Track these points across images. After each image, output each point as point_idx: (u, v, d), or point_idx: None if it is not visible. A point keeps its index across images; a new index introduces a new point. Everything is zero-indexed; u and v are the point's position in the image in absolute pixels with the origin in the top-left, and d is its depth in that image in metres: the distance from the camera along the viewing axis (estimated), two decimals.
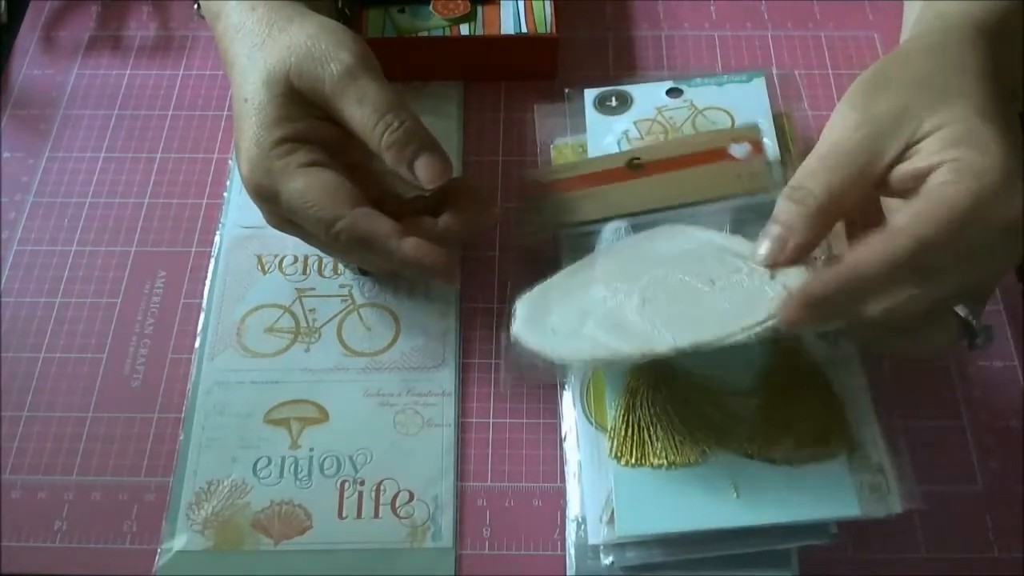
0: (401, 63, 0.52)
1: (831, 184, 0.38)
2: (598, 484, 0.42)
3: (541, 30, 0.55)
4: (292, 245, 0.49)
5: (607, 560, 0.41)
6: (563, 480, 0.44)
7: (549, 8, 0.55)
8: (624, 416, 0.42)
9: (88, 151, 0.56)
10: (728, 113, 0.51)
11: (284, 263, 0.51)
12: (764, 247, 0.39)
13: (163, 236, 0.53)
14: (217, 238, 0.52)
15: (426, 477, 0.45)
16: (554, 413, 0.46)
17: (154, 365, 0.48)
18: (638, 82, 0.53)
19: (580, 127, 0.52)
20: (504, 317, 0.43)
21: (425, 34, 0.54)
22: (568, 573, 0.42)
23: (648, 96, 0.52)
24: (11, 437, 0.47)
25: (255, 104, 0.43)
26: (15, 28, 0.62)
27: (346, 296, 0.50)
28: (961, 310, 0.38)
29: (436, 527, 0.44)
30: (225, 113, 0.57)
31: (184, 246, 0.52)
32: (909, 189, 0.38)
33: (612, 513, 0.40)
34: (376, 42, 0.51)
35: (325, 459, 0.45)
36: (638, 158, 0.48)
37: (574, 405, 0.44)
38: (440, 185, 0.43)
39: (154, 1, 0.63)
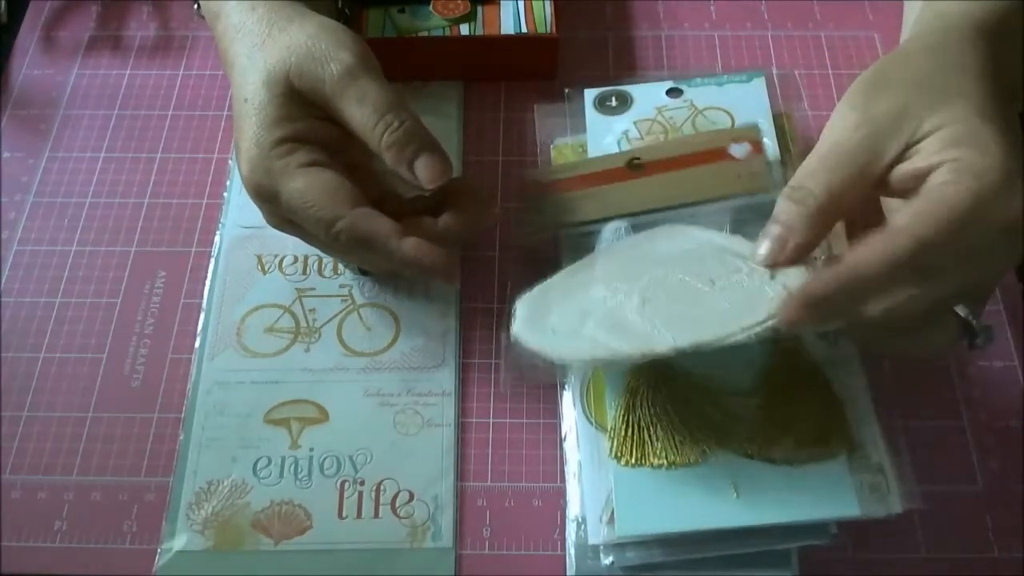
0: (401, 63, 0.52)
1: (831, 184, 0.38)
2: (598, 484, 0.42)
3: (541, 30, 0.55)
4: (292, 245, 0.49)
5: (607, 560, 0.41)
6: (563, 480, 0.44)
7: (549, 8, 0.55)
8: (624, 416, 0.42)
9: (88, 151, 0.56)
10: (728, 113, 0.51)
11: (284, 263, 0.51)
12: (764, 247, 0.39)
13: (163, 236, 0.53)
14: (217, 238, 0.52)
15: (426, 477, 0.45)
16: (554, 413, 0.46)
17: (154, 365, 0.48)
18: (638, 82, 0.53)
19: (580, 127, 0.52)
20: (504, 317, 0.43)
21: (425, 34, 0.54)
22: (568, 573, 0.42)
23: (648, 96, 0.52)
24: (11, 437, 0.47)
25: (255, 104, 0.43)
26: (15, 28, 0.62)
27: (346, 296, 0.50)
28: (961, 310, 0.38)
29: (436, 527, 0.44)
30: (225, 113, 0.57)
31: (184, 246, 0.52)
32: (909, 189, 0.38)
33: (612, 513, 0.40)
34: (376, 42, 0.51)
35: (325, 459, 0.45)
36: (638, 158, 0.48)
37: (574, 405, 0.44)
38: (440, 185, 0.43)
39: (154, 1, 0.63)
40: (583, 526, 0.42)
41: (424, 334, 0.49)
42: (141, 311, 0.50)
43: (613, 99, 0.53)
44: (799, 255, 0.38)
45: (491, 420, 0.47)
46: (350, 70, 0.43)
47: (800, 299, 0.36)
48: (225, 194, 0.54)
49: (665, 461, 0.41)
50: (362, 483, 0.45)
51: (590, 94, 0.53)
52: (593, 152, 0.50)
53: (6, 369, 0.48)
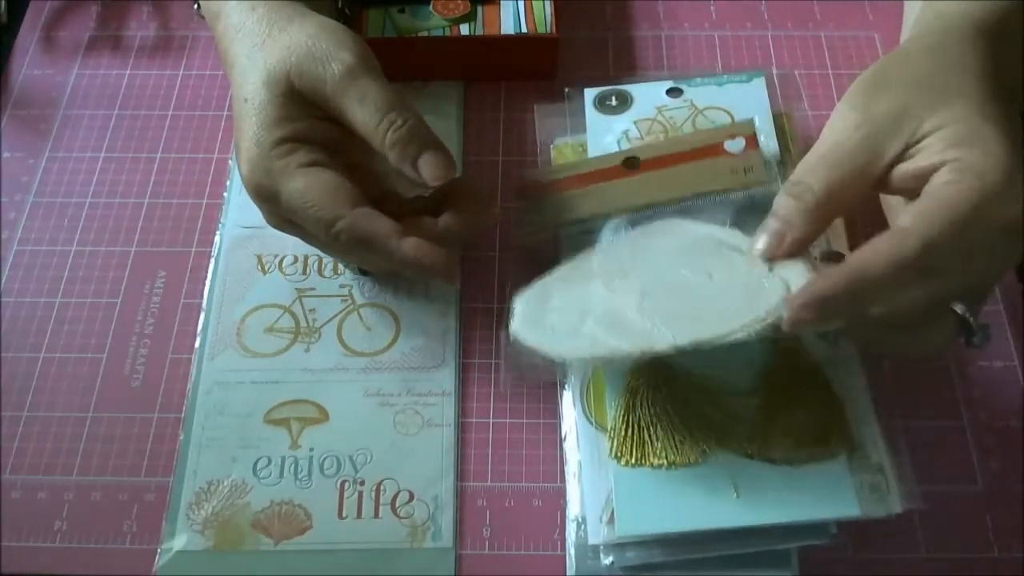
0: (401, 63, 0.52)
1: (830, 180, 0.38)
2: (598, 484, 0.42)
3: (541, 30, 0.55)
4: (292, 245, 0.49)
5: (607, 560, 0.41)
6: (563, 480, 0.44)
7: (549, 8, 0.55)
8: (624, 416, 0.42)
9: (88, 151, 0.56)
10: (728, 113, 0.51)
11: (284, 263, 0.51)
12: (762, 241, 0.39)
13: (163, 236, 0.53)
14: (217, 238, 0.52)
15: (426, 477, 0.45)
16: (554, 413, 0.46)
17: (154, 365, 0.48)
18: (638, 82, 0.53)
19: (580, 127, 0.52)
20: (504, 317, 0.43)
21: (425, 34, 0.54)
22: (568, 573, 0.42)
23: (648, 96, 0.52)
24: (11, 437, 0.47)
25: (255, 104, 0.43)
26: (15, 28, 0.62)
27: (346, 296, 0.50)
28: (959, 308, 0.38)
29: (436, 527, 0.44)
30: (225, 113, 0.57)
31: (184, 246, 0.52)
32: (910, 188, 0.38)
33: (612, 513, 0.40)
34: (376, 42, 0.51)
35: (325, 459, 0.45)
36: (635, 156, 0.48)
37: (574, 405, 0.44)
38: (442, 184, 0.43)
39: (154, 1, 0.63)
40: (583, 526, 0.42)
41: (424, 334, 0.49)
42: (141, 311, 0.50)
43: (613, 99, 0.53)
44: (796, 249, 0.39)
45: (491, 420, 0.47)
46: (351, 70, 0.43)
47: (804, 299, 0.36)
48: (225, 194, 0.54)
49: (665, 461, 0.41)
50: (362, 483, 0.45)
51: (590, 94, 0.53)
52: (593, 152, 0.50)
53: (6, 369, 0.48)
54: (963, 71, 0.39)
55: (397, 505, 0.44)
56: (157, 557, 0.43)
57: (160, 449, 0.46)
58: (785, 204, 0.39)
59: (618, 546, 0.41)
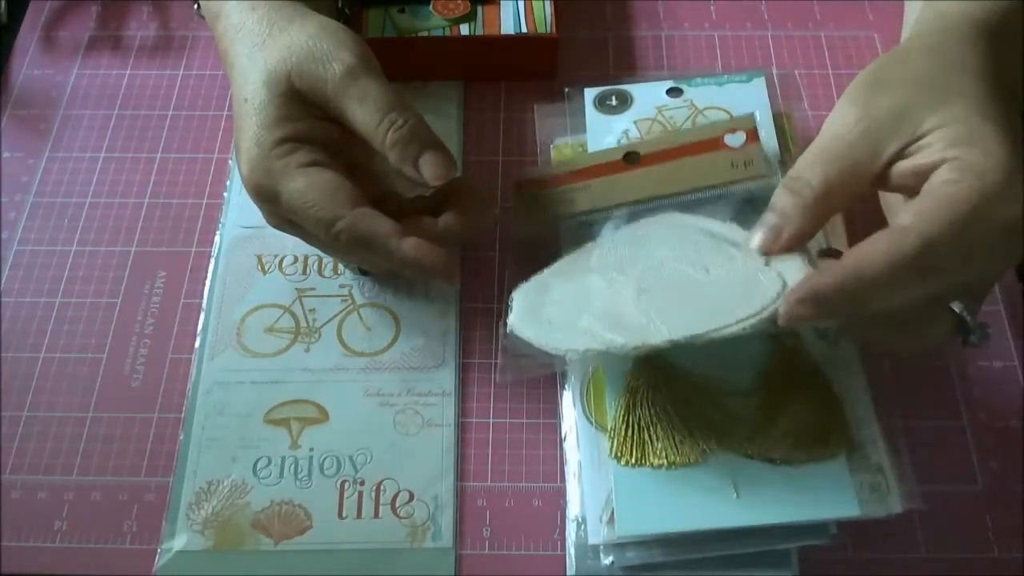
0: (401, 63, 0.52)
1: (828, 176, 0.38)
2: (598, 484, 0.42)
3: (541, 30, 0.55)
4: (292, 245, 0.49)
5: (607, 560, 0.41)
6: (563, 480, 0.44)
7: (549, 8, 0.55)
8: (624, 416, 0.42)
9: (88, 151, 0.56)
10: (728, 113, 0.51)
11: (284, 263, 0.51)
12: (758, 235, 0.39)
13: (163, 236, 0.53)
14: (217, 238, 0.52)
15: (426, 477, 0.45)
16: (554, 413, 0.46)
17: (154, 365, 0.48)
18: (638, 82, 0.53)
19: (580, 127, 0.52)
20: (504, 313, 0.43)
21: (425, 34, 0.54)
22: (568, 573, 0.42)
23: (648, 96, 0.52)
24: (11, 437, 0.47)
25: (255, 104, 0.43)
26: (15, 28, 0.62)
27: (346, 296, 0.50)
28: (956, 307, 0.38)
29: (436, 527, 0.44)
30: (225, 113, 0.57)
31: (184, 246, 0.52)
32: (909, 185, 0.38)
33: (612, 513, 0.40)
34: (376, 42, 0.51)
35: (325, 459, 0.45)
36: (635, 151, 0.48)
37: (574, 405, 0.44)
38: (442, 184, 0.43)
39: (154, 1, 0.63)
40: (583, 526, 0.42)
41: (424, 334, 0.49)
42: (141, 311, 0.50)
43: (613, 99, 0.53)
44: (793, 244, 0.39)
45: (491, 420, 0.47)
46: (351, 70, 0.43)
47: (802, 295, 0.36)
48: (225, 194, 0.54)
49: (665, 461, 0.41)
50: (362, 483, 0.45)
51: (590, 94, 0.53)
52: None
53: (6, 369, 0.48)
54: (963, 71, 0.39)
55: (397, 505, 0.44)
56: (157, 557, 0.43)
57: (160, 449, 0.46)
58: (783, 199, 0.39)
59: (618, 546, 0.41)
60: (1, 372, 0.48)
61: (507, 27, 0.55)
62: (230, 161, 0.55)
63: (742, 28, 0.60)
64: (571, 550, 0.42)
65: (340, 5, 0.54)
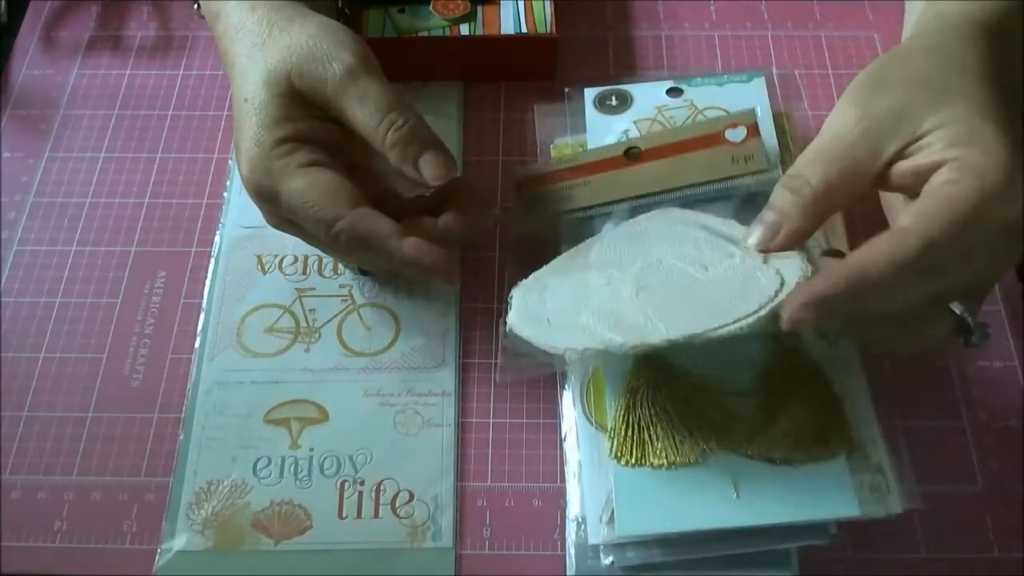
0: (401, 63, 0.52)
1: (828, 174, 0.38)
2: (598, 484, 0.42)
3: (541, 30, 0.55)
4: (292, 245, 0.49)
5: (607, 560, 0.41)
6: (563, 480, 0.44)
7: (549, 8, 0.55)
8: (624, 416, 0.42)
9: (88, 151, 0.56)
10: (728, 113, 0.51)
11: (284, 263, 0.51)
12: (756, 232, 0.39)
13: (163, 236, 0.53)
14: (217, 238, 0.52)
15: (426, 477, 0.45)
16: (554, 413, 0.46)
17: (154, 365, 0.48)
18: (638, 82, 0.53)
19: (580, 127, 0.52)
20: (503, 311, 0.43)
21: (425, 34, 0.54)
22: (568, 573, 0.42)
23: (648, 95, 0.52)
24: (11, 437, 0.47)
25: (255, 104, 0.43)
26: (15, 28, 0.62)
27: (346, 296, 0.50)
28: (956, 307, 0.38)
29: (436, 527, 0.44)
30: (225, 113, 0.57)
31: (184, 246, 0.52)
32: (909, 185, 0.38)
33: (612, 513, 0.40)
34: (376, 42, 0.51)
35: (325, 459, 0.45)
36: (636, 147, 0.48)
37: (574, 405, 0.44)
38: (443, 183, 0.43)
39: (154, 1, 0.63)
40: (583, 526, 0.42)
41: (424, 334, 0.49)
42: (141, 311, 0.50)
43: (613, 98, 0.53)
44: (791, 243, 0.39)
45: (491, 420, 0.47)
46: (351, 70, 0.43)
47: (804, 299, 0.36)
48: (225, 194, 0.54)
49: (665, 461, 0.41)
50: (362, 483, 0.45)
51: (590, 94, 0.53)
52: None
53: (6, 369, 0.48)
54: (964, 71, 0.39)
55: (397, 505, 0.44)
56: (157, 557, 0.43)
57: (160, 449, 0.46)
58: (782, 196, 0.39)
59: (618, 546, 0.41)
60: (1, 372, 0.48)
61: (507, 27, 0.55)
62: (230, 161, 0.55)
63: (742, 28, 0.60)
64: (571, 550, 0.42)
65: (340, 5, 0.54)
